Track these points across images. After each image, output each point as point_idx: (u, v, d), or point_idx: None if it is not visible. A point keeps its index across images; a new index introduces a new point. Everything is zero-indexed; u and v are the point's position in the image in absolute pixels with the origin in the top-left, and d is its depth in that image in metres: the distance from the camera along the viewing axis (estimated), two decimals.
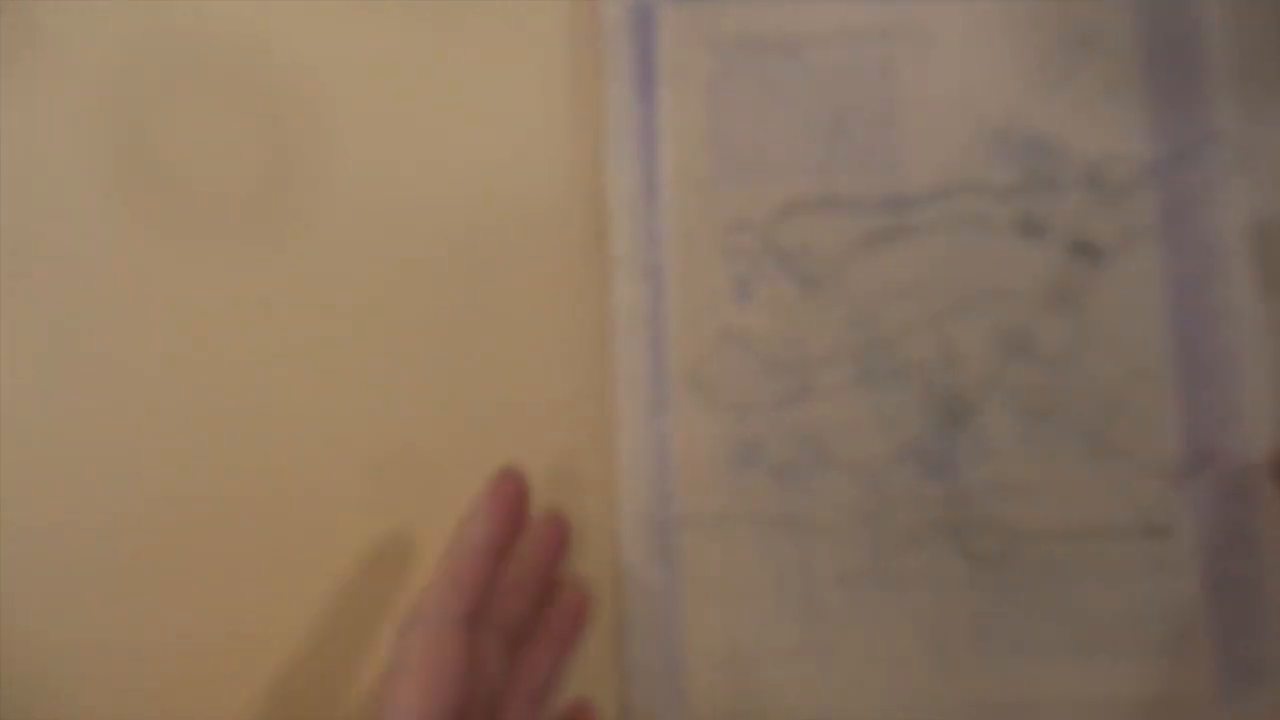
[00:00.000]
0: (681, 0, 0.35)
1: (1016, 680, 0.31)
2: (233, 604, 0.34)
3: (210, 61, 0.36)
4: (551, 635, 0.31)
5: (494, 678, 0.28)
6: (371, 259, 0.35)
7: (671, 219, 0.34)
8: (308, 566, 0.34)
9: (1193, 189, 0.33)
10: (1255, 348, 0.32)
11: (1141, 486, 0.32)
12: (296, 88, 0.36)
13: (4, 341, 0.35)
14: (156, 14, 0.36)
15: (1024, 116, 0.34)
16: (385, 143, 0.35)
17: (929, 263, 0.34)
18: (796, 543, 0.33)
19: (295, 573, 0.34)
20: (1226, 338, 0.32)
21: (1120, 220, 0.33)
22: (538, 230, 0.35)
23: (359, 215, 0.35)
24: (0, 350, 0.35)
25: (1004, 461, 0.33)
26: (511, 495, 0.30)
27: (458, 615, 0.27)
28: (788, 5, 0.34)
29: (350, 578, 0.34)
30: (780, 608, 0.32)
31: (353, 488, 0.34)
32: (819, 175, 0.34)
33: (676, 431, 0.33)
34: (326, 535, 0.34)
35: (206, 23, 0.36)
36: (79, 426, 0.34)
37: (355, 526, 0.34)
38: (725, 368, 0.34)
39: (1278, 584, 0.31)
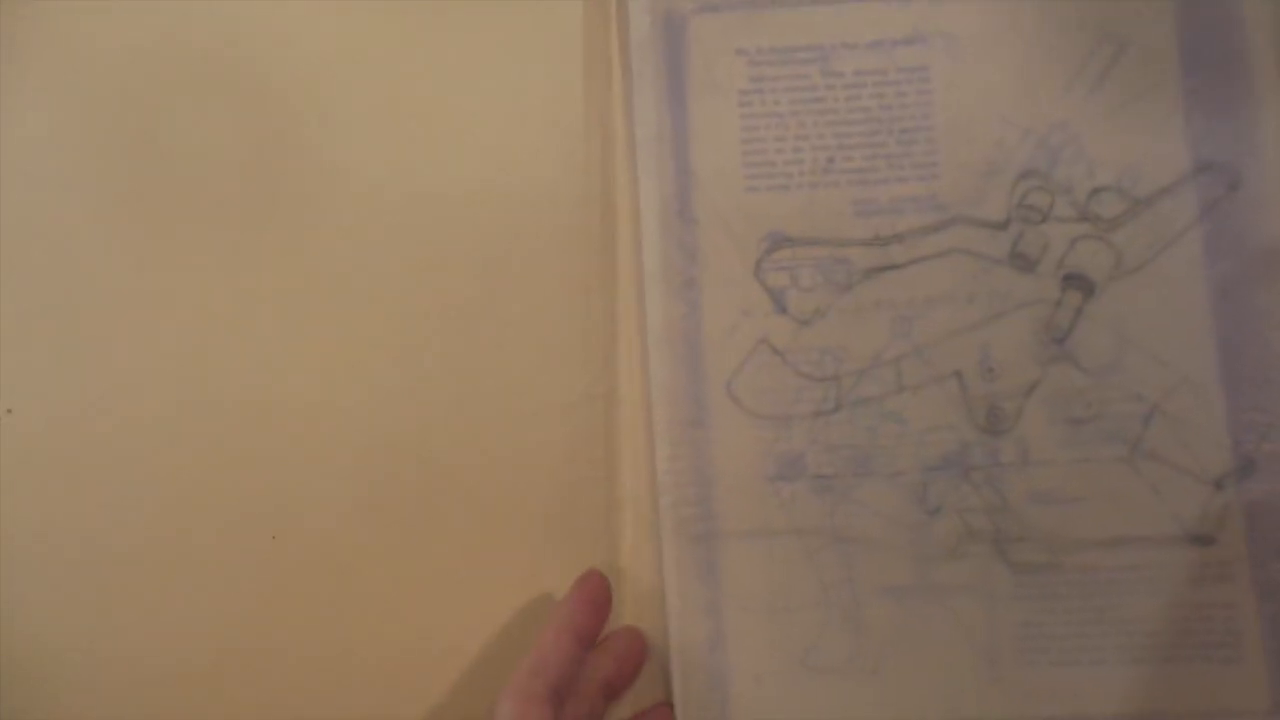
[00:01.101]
0: (712, 11, 0.34)
1: (1066, 692, 0.31)
2: (230, 602, 0.33)
3: (220, 58, 0.35)
4: None
5: None
6: (378, 258, 0.34)
7: (705, 231, 0.34)
8: (311, 565, 0.33)
9: (1230, 193, 0.33)
10: None
11: (1185, 493, 0.32)
12: (303, 84, 0.35)
13: (4, 339, 0.34)
14: (166, 10, 0.35)
15: (1058, 120, 0.33)
16: (393, 142, 0.35)
17: (969, 267, 0.33)
18: (839, 556, 0.33)
19: (299, 571, 0.33)
20: (1270, 342, 0.32)
21: (1155, 226, 0.33)
22: (544, 231, 0.34)
23: (366, 214, 0.35)
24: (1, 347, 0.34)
25: (1045, 470, 0.32)
26: (594, 586, 0.32)
27: (543, 691, 0.29)
28: (820, 13, 0.34)
29: (353, 577, 0.33)
30: (826, 622, 0.32)
31: (355, 487, 0.34)
32: (855, 184, 0.34)
33: (715, 446, 0.33)
34: (328, 535, 0.33)
35: (215, 19, 0.35)
36: (80, 423, 0.34)
37: (358, 526, 0.33)
38: (762, 380, 0.33)
39: None
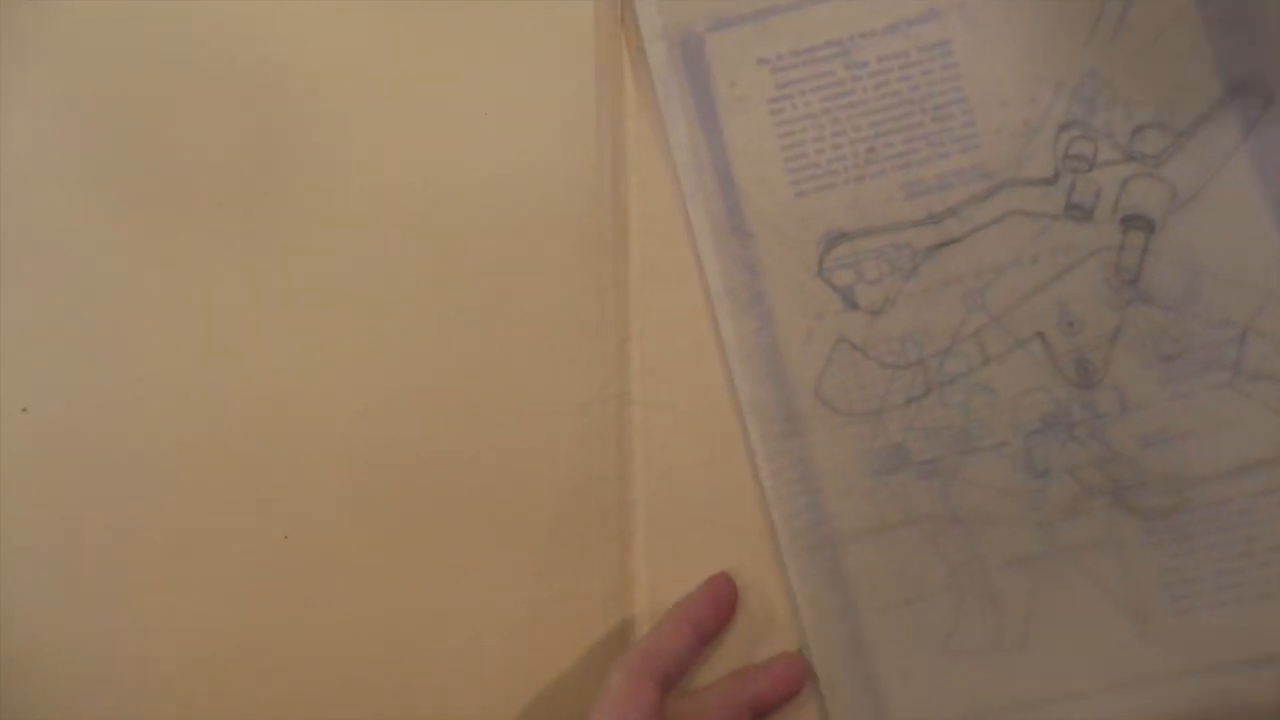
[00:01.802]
0: (726, 26, 0.35)
1: (1232, 634, 0.31)
2: (241, 601, 0.33)
3: (231, 58, 0.35)
4: None
5: None
6: (389, 259, 0.34)
7: (761, 243, 0.34)
8: (321, 565, 0.33)
9: (1267, 110, 0.33)
10: None
11: None
12: (312, 85, 0.35)
13: (19, 338, 0.34)
14: (174, 9, 0.35)
15: (1087, 69, 0.34)
16: (402, 142, 0.35)
17: (1027, 228, 0.33)
18: (960, 536, 0.32)
19: (309, 570, 0.33)
20: None
21: (1201, 154, 0.33)
22: (556, 231, 0.34)
23: (376, 215, 0.34)
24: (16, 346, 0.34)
25: (1148, 412, 0.32)
26: (720, 585, 0.32)
27: (654, 672, 0.30)
28: (831, 8, 0.34)
29: (363, 577, 0.33)
30: (960, 604, 0.32)
31: (366, 487, 0.33)
32: (899, 168, 0.34)
33: (815, 451, 0.33)
34: (339, 534, 0.33)
35: (223, 17, 0.35)
36: (94, 421, 0.33)
37: (369, 526, 0.33)
38: (848, 378, 0.33)
39: None
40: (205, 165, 0.34)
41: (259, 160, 0.34)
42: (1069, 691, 0.31)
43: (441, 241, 0.34)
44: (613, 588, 0.33)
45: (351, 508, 0.33)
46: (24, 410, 0.33)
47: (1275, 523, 0.31)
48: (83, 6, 0.35)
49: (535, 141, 0.35)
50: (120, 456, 0.33)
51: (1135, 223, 0.33)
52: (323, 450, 0.33)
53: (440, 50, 0.35)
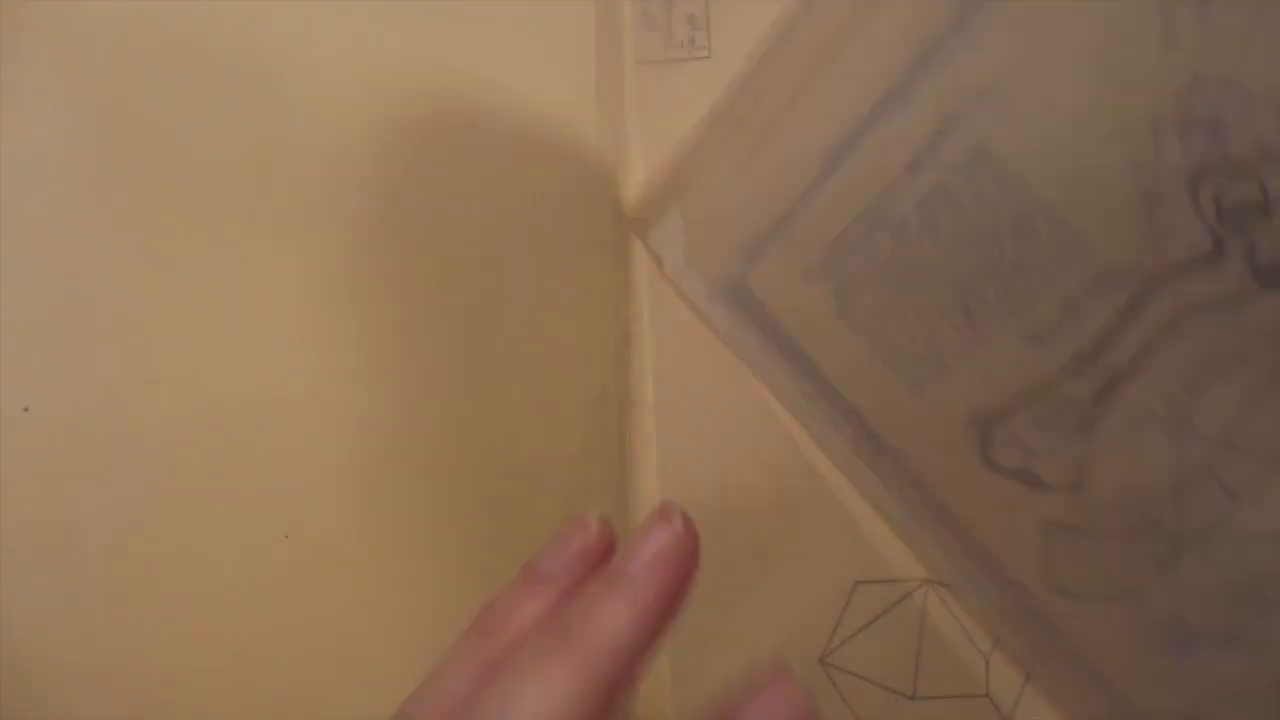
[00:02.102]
0: (758, 254, 0.31)
1: None
2: (240, 601, 0.32)
3: (231, 57, 0.35)
4: None
5: None
6: (391, 257, 0.34)
7: (913, 460, 0.30)
8: (322, 564, 0.32)
9: None
10: None
11: None
12: (312, 84, 0.35)
13: (20, 337, 0.34)
14: (175, 9, 0.35)
15: (1183, 81, 0.23)
16: (403, 141, 0.34)
17: (1212, 325, 0.24)
18: None
19: (309, 570, 0.32)
20: None
21: None
22: (557, 230, 0.34)
23: (378, 214, 0.34)
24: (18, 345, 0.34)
25: None
26: (682, 541, 0.22)
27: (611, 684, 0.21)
28: (837, 181, 0.29)
29: (364, 577, 0.32)
30: None
31: (368, 486, 0.33)
32: (1008, 316, 0.27)
33: (1081, 639, 0.29)
34: (340, 534, 0.32)
35: (225, 17, 0.35)
36: (97, 421, 0.33)
37: (370, 525, 0.32)
38: (1078, 564, 0.28)
39: None
40: (206, 165, 0.35)
41: (259, 160, 0.35)
42: None
43: (442, 241, 0.34)
44: None
45: (351, 508, 0.33)
46: (25, 410, 0.33)
47: None
48: (83, 6, 0.35)
49: (536, 141, 0.34)
50: (120, 456, 0.33)
51: None
52: (323, 450, 0.33)
53: (440, 51, 0.35)
